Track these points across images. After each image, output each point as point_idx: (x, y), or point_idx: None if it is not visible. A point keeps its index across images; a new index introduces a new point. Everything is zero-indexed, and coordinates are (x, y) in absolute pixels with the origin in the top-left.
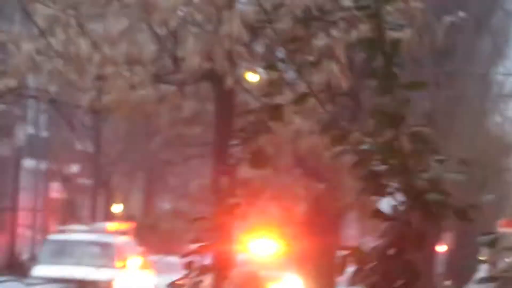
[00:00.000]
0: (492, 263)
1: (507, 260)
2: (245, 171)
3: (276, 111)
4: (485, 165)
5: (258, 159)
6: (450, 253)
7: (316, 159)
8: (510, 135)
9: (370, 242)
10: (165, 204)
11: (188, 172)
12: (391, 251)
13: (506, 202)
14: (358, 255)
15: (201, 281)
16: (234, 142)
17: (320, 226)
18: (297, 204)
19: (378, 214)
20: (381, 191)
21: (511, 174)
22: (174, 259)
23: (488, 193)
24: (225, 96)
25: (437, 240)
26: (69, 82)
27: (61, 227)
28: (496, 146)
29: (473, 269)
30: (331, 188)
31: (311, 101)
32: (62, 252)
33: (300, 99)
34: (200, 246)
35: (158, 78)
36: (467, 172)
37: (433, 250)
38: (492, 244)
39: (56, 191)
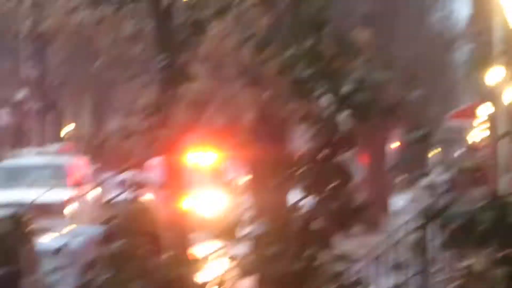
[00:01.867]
0: (443, 154)
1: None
2: (190, 85)
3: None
4: (428, 62)
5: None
6: (403, 149)
7: (258, 68)
8: (451, 31)
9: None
10: (113, 123)
11: (134, 90)
12: (322, 154)
13: (453, 96)
14: (290, 160)
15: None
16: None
17: (267, 134)
18: (243, 114)
19: (307, 118)
20: (307, 95)
21: (454, 69)
22: (124, 176)
23: (418, 89)
24: (163, 13)
25: (386, 138)
26: (7, 10)
27: (12, 152)
28: (439, 43)
29: (423, 162)
30: (275, 96)
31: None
32: (14, 176)
33: (223, 10)
34: (135, 161)
35: (96, 1)
36: (396, 70)
37: (382, 147)
38: (423, 139)
39: (4, 117)
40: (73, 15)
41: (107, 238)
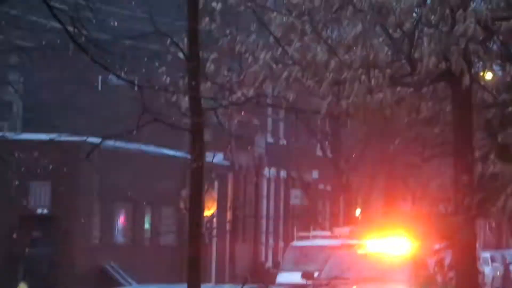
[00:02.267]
0: None
1: None
2: (490, 166)
3: None
4: None
5: (506, 152)
6: None
7: None
8: None
9: None
10: (405, 206)
11: (428, 172)
12: None
13: None
14: None
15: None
16: (476, 139)
17: None
18: None
19: None
20: None
21: None
22: None
23: None
24: (462, 95)
25: None
26: (306, 88)
27: (303, 234)
28: None
29: None
30: None
31: None
32: (306, 258)
33: None
34: (444, 245)
35: (395, 81)
36: None
37: None
38: None
39: (296, 197)
40: (372, 95)
41: None
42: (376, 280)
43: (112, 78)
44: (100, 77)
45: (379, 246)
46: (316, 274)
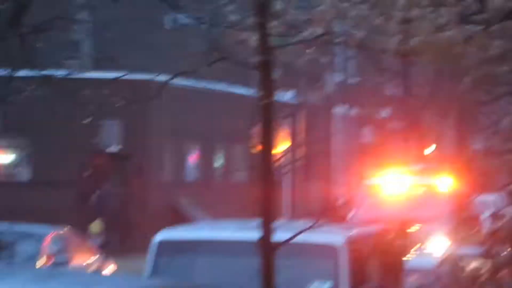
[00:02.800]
0: None
1: None
2: None
3: None
4: None
5: None
6: None
7: None
8: None
9: None
10: (477, 143)
11: (498, 110)
12: None
13: None
14: None
15: None
16: None
17: None
18: None
19: None
20: None
21: None
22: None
23: None
24: None
25: None
26: (374, 27)
27: (375, 171)
28: None
29: None
30: None
31: None
32: (378, 196)
33: None
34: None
35: (463, 19)
36: None
37: None
38: None
39: (367, 135)
40: (440, 33)
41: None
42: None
43: (181, 16)
44: (168, 16)
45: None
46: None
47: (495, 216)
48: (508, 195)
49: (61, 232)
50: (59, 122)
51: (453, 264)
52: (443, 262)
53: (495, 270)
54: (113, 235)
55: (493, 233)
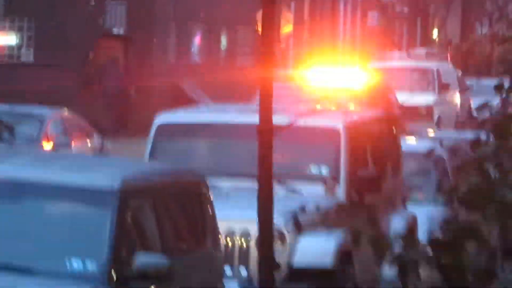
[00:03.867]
0: None
1: None
2: None
3: None
4: None
5: None
6: None
7: None
8: None
9: None
10: (482, 29)
11: None
12: None
13: None
14: None
15: None
16: None
17: None
18: None
19: None
20: None
21: None
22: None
23: None
24: None
25: None
26: None
27: (379, 54)
28: None
29: None
30: None
31: None
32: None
33: None
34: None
35: None
36: None
37: None
38: None
39: (373, 19)
40: None
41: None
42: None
43: None
44: None
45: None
46: None
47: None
48: None
49: (62, 114)
50: (63, 2)
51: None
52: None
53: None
54: (113, 116)
55: None
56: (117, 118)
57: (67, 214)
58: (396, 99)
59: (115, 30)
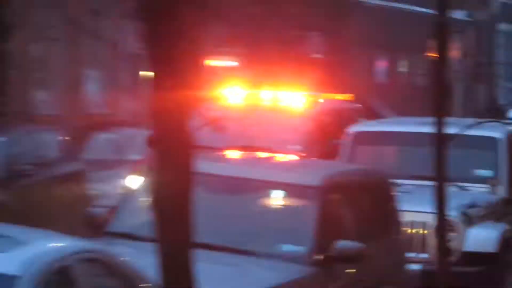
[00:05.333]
0: None
1: None
2: None
3: None
4: None
5: None
6: None
7: None
8: None
9: None
10: None
11: None
12: None
13: None
14: None
15: None
16: None
17: None
18: None
19: None
20: None
21: None
22: None
23: None
24: None
25: None
26: None
27: None
28: None
29: None
30: None
31: None
32: None
33: None
34: None
35: None
36: None
37: None
38: None
39: None
40: None
41: None
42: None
43: None
44: None
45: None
46: None
47: None
48: None
49: None
50: (267, 34)
51: None
52: None
53: None
54: None
55: None
56: None
57: (280, 207)
58: None
59: (315, 56)
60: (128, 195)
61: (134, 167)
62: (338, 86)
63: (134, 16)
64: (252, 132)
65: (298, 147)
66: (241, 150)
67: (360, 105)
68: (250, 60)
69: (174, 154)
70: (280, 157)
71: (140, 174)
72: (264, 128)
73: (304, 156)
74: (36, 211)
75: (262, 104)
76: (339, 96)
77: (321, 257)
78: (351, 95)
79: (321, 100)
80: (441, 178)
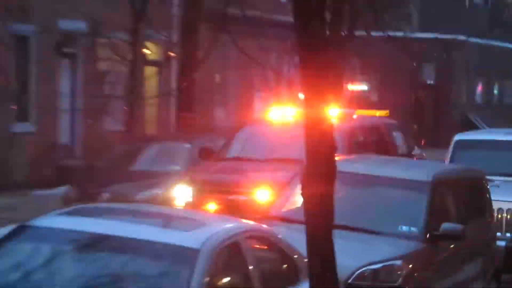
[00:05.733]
0: None
1: None
2: None
3: None
4: None
5: None
6: None
7: None
8: None
9: None
10: None
11: None
12: None
13: None
14: None
15: None
16: None
17: None
18: None
19: None
20: None
21: None
22: None
23: None
24: None
25: None
26: None
27: None
28: None
29: None
30: None
31: None
32: None
33: None
34: None
35: None
36: None
37: None
38: None
39: None
40: None
41: None
42: None
43: None
44: None
45: None
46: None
47: None
48: None
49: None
50: (389, 68)
51: None
52: None
53: None
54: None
55: None
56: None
57: (401, 196)
58: None
59: (428, 81)
60: (286, 187)
61: None
62: (443, 105)
63: (292, 52)
64: (288, 145)
65: None
66: (275, 162)
67: (395, 121)
68: (378, 84)
69: (321, 156)
70: (403, 159)
71: None
72: (298, 141)
73: (419, 158)
74: None
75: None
76: (375, 113)
77: (430, 235)
78: (387, 111)
79: (355, 116)
80: None
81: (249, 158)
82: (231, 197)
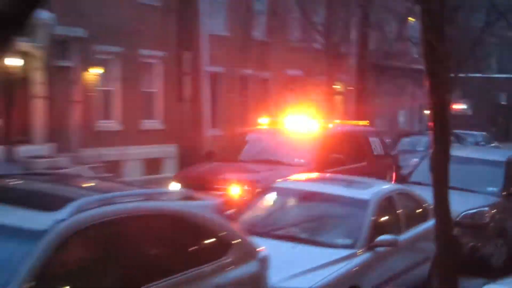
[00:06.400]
0: None
1: None
2: None
3: None
4: None
5: None
6: None
7: None
8: None
9: None
10: None
11: None
12: None
13: None
14: None
15: None
16: None
17: None
18: None
19: None
20: None
21: None
22: None
23: None
24: None
25: None
26: None
27: None
28: None
29: None
30: None
31: None
32: None
33: None
34: None
35: None
36: None
37: None
38: None
39: None
40: None
41: None
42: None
43: None
44: None
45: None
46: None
47: None
48: None
49: None
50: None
51: None
52: None
53: None
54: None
55: None
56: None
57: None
58: None
59: (502, 102)
60: (423, 158)
61: None
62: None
63: (423, 87)
64: (271, 149)
65: (302, 160)
66: (258, 163)
67: (373, 128)
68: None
69: (442, 137)
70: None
71: None
72: (280, 146)
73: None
74: None
75: (285, 128)
76: (354, 122)
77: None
78: (367, 121)
79: (330, 125)
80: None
81: (242, 160)
82: (211, 192)
